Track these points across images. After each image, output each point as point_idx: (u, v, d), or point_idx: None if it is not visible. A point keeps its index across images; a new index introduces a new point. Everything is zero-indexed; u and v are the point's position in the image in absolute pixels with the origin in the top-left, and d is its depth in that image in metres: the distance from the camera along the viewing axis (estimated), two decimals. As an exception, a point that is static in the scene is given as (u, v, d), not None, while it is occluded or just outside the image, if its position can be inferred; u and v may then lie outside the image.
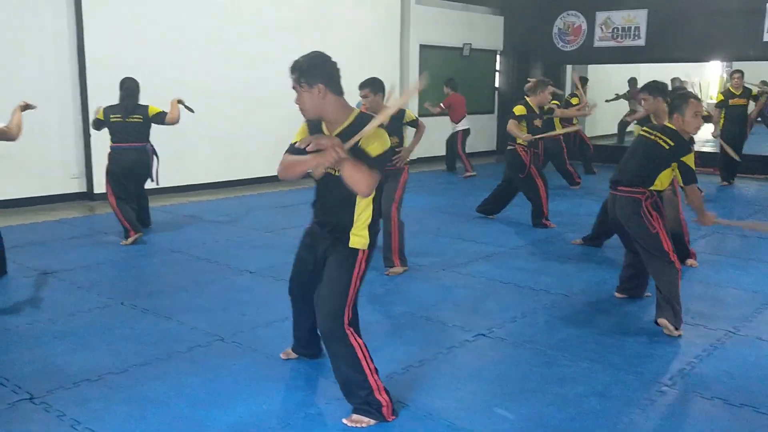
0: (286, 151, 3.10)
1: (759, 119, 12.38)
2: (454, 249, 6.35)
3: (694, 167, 4.23)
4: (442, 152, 11.90)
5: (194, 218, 7.61)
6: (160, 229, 6.97)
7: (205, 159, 9.43)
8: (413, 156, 6.69)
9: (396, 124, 5.33)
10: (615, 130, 14.95)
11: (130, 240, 6.32)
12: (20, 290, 5.01)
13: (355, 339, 3.02)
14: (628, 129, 14.14)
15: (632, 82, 14.38)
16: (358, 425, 3.04)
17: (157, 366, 3.69)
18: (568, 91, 13.63)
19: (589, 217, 6.85)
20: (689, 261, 5.78)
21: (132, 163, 6.49)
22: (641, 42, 12.27)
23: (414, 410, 3.21)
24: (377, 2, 11.59)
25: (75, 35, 8.23)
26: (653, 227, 4.24)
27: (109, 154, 6.50)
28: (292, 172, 3.00)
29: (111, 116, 6.44)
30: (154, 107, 6.55)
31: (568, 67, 14.04)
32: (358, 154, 2.83)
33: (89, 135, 8.30)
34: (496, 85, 14.39)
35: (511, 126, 7.02)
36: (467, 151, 11.32)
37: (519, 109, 7.07)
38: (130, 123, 6.44)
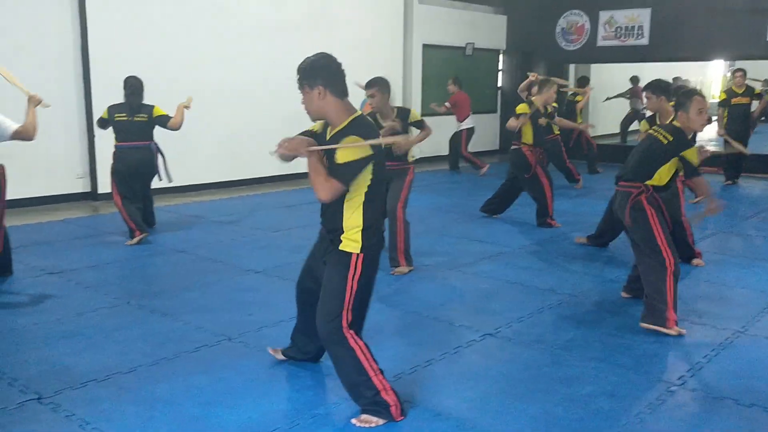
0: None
1: (762, 118, 12.36)
2: (459, 248, 6.35)
3: (696, 162, 4.23)
4: (447, 152, 11.88)
5: (198, 218, 7.61)
6: (164, 229, 6.97)
7: (208, 159, 9.44)
8: (418, 155, 6.68)
9: (401, 124, 5.32)
10: (618, 130, 14.94)
11: (135, 240, 6.31)
12: (27, 290, 5.01)
13: (356, 341, 3.01)
14: (630, 128, 14.14)
15: (634, 80, 14.37)
16: (367, 425, 3.04)
17: (164, 366, 3.69)
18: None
19: (594, 216, 6.84)
20: (695, 261, 5.77)
21: (137, 162, 6.47)
22: (644, 41, 12.25)
23: (422, 410, 3.20)
24: (380, 2, 11.58)
25: (79, 35, 8.24)
26: (645, 220, 4.23)
27: (114, 153, 6.48)
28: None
29: (116, 115, 6.42)
30: (160, 109, 6.52)
31: (572, 67, 14.04)
32: (328, 159, 2.89)
33: (93, 135, 8.31)
34: (499, 84, 14.38)
35: (510, 122, 7.05)
36: (470, 150, 11.30)
37: (521, 108, 7.12)
38: (136, 122, 6.42)
